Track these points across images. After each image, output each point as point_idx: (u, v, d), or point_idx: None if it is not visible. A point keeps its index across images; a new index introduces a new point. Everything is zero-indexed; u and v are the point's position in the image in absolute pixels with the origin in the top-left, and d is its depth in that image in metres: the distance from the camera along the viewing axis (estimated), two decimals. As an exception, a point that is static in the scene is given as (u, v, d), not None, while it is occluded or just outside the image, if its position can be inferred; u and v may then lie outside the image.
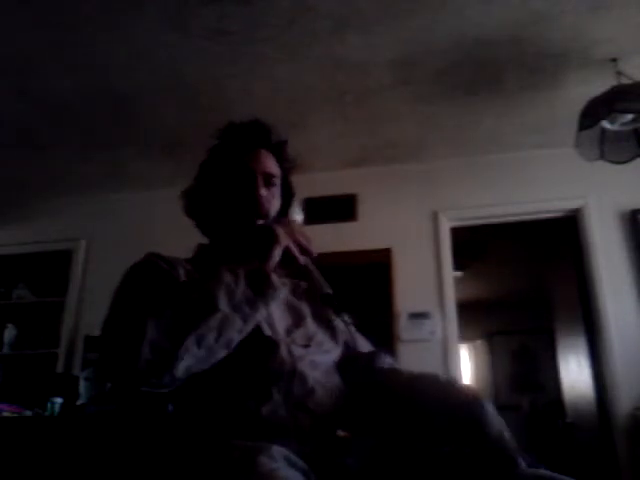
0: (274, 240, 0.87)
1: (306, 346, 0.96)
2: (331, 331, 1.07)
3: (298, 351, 0.93)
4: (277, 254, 0.86)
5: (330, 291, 0.90)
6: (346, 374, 0.98)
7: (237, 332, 0.80)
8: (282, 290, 0.90)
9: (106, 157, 3.45)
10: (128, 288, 0.88)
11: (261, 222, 1.02)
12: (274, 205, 1.08)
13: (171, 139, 3.20)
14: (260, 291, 0.84)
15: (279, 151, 1.14)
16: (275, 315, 0.99)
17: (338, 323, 1.09)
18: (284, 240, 0.87)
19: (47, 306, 3.79)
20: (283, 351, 0.90)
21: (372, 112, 3.02)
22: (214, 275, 0.83)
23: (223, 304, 0.79)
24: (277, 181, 1.10)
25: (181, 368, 0.75)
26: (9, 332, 3.72)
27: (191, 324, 0.76)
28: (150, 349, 0.74)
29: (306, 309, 1.08)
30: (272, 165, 1.10)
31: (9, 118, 3.02)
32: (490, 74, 2.71)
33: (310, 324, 1.05)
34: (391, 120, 3.10)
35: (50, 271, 3.90)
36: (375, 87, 2.80)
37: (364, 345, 1.13)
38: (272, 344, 0.91)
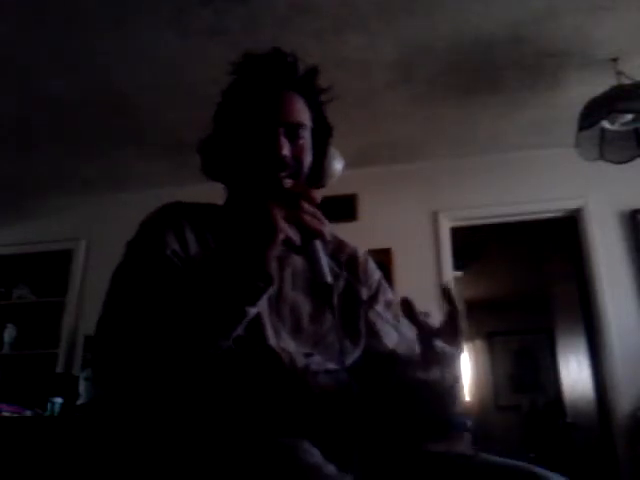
0: (271, 237, 0.74)
1: (309, 355, 0.89)
2: (353, 330, 0.95)
3: (302, 361, 0.87)
4: (274, 251, 0.75)
5: (329, 281, 0.75)
6: (364, 376, 0.91)
7: (224, 339, 0.76)
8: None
9: (106, 157, 3.45)
10: (124, 283, 0.83)
11: (289, 182, 0.90)
12: (305, 160, 0.94)
13: (171, 139, 3.20)
14: (249, 298, 0.75)
15: (308, 86, 0.97)
16: (289, 300, 0.92)
17: (364, 319, 0.97)
18: (283, 232, 0.75)
19: (47, 306, 3.79)
20: (287, 364, 0.85)
21: (372, 112, 3.02)
22: (205, 274, 0.76)
23: (208, 315, 0.73)
24: (305, 131, 0.94)
25: (166, 381, 0.76)
26: (9, 332, 3.72)
27: (172, 347, 0.74)
28: (133, 369, 0.75)
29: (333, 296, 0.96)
30: (298, 110, 0.94)
31: (9, 118, 3.02)
32: (490, 74, 2.71)
33: (328, 316, 0.92)
34: (391, 120, 3.10)
35: (50, 271, 3.90)
36: (375, 87, 2.80)
37: (389, 334, 1.00)
38: (276, 358, 0.85)
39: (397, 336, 1.01)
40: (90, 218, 3.83)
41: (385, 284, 1.09)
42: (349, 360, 0.94)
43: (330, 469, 0.71)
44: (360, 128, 3.16)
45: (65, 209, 3.91)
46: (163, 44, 2.45)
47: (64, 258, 3.79)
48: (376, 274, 1.08)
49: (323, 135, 1.00)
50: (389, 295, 1.07)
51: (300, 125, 0.93)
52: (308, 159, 0.95)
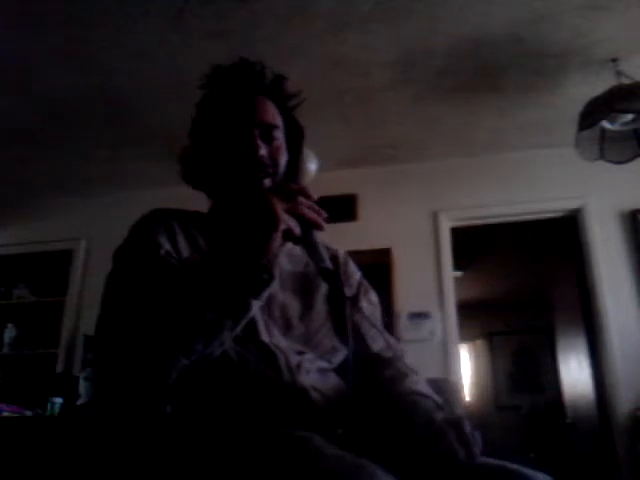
0: (273, 225, 0.75)
1: (301, 352, 0.90)
2: (339, 326, 0.96)
3: (295, 359, 0.88)
4: (276, 241, 0.76)
5: (330, 266, 0.79)
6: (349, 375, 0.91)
7: (228, 331, 0.76)
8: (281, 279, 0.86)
9: (106, 157, 3.45)
10: (121, 284, 0.84)
11: (268, 182, 0.93)
12: (281, 160, 0.97)
13: (171, 139, 3.19)
14: (253, 290, 0.77)
15: (276, 91, 1.01)
16: (279, 300, 0.93)
17: (349, 317, 0.95)
18: (284, 222, 0.76)
19: (47, 306, 3.79)
20: (281, 361, 0.86)
21: (372, 112, 3.02)
22: (207, 267, 0.78)
23: (212, 308, 0.74)
24: (279, 132, 0.98)
25: (173, 378, 0.76)
26: (9, 332, 3.73)
27: (178, 342, 0.74)
28: (140, 368, 0.75)
29: (320, 296, 0.98)
30: (270, 113, 0.97)
31: (9, 118, 3.02)
32: (490, 74, 2.71)
33: (315, 315, 0.96)
34: (391, 120, 3.10)
35: (50, 271, 3.90)
36: (375, 87, 2.80)
37: (375, 338, 1.03)
38: (270, 354, 0.86)
39: (383, 341, 1.03)
40: (90, 218, 3.83)
41: (366, 284, 1.10)
42: (339, 358, 0.96)
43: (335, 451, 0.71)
44: (360, 128, 3.17)
45: (65, 209, 3.92)
46: (163, 44, 2.45)
47: (64, 258, 3.80)
48: (356, 274, 1.10)
49: (296, 137, 1.04)
50: (372, 296, 1.09)
51: (274, 126, 0.97)
52: (284, 159, 0.99)
